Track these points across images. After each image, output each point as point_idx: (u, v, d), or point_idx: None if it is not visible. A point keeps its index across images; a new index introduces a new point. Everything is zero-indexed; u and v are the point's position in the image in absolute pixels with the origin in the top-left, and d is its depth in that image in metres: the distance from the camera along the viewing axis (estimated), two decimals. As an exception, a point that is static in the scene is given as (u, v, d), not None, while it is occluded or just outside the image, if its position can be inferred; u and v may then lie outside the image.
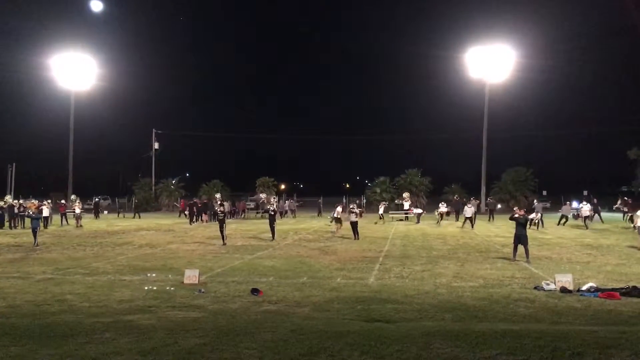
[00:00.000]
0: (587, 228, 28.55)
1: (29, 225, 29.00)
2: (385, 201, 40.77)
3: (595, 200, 33.37)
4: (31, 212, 24.51)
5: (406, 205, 38.41)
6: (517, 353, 5.79)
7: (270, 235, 23.01)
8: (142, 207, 49.37)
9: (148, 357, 5.76)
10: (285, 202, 44.27)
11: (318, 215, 43.02)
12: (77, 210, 32.50)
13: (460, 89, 61.39)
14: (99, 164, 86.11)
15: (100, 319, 8.40)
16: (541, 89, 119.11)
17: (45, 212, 30.05)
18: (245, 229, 29.09)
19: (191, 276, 12.61)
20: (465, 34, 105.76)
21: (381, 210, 36.77)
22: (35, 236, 20.93)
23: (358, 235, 23.58)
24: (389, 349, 5.98)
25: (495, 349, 5.93)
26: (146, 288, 11.88)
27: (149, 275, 13.80)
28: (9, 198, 31.43)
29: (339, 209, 26.53)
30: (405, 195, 39.57)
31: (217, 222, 22.66)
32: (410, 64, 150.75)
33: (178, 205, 47.67)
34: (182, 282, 12.46)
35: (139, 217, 41.38)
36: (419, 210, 36.01)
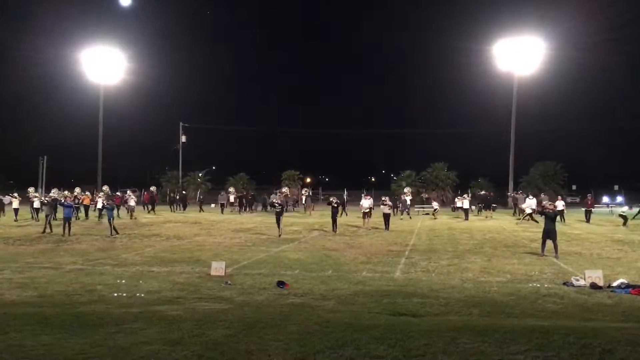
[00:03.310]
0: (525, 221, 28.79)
1: (75, 216, 29.89)
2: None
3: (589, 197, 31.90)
4: (106, 204, 25.05)
5: (407, 200, 36.91)
6: (546, 349, 5.70)
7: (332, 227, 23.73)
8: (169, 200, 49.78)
9: (176, 347, 5.83)
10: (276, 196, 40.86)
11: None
12: (132, 203, 32.30)
13: (488, 81, 60.35)
14: (126, 157, 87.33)
15: (129, 309, 8.55)
16: (572, 81, 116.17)
17: (87, 202, 31.23)
18: (271, 222, 29.17)
19: (218, 268, 12.73)
20: (494, 26, 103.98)
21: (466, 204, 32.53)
22: (111, 226, 21.66)
23: (389, 226, 24.13)
24: (415, 343, 5.95)
25: (524, 345, 5.85)
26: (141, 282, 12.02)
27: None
28: (64, 191, 31.86)
29: (367, 202, 25.72)
30: (407, 190, 38.49)
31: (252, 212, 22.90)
32: (437, 56, 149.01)
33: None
34: (209, 274, 12.59)
35: (203, 210, 39.32)
36: (436, 205, 35.69)
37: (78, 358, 5.50)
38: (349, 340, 6.09)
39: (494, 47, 45.94)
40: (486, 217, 32.97)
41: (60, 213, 23.91)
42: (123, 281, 11.90)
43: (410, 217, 33.42)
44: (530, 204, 29.95)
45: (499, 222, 30.27)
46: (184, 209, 39.95)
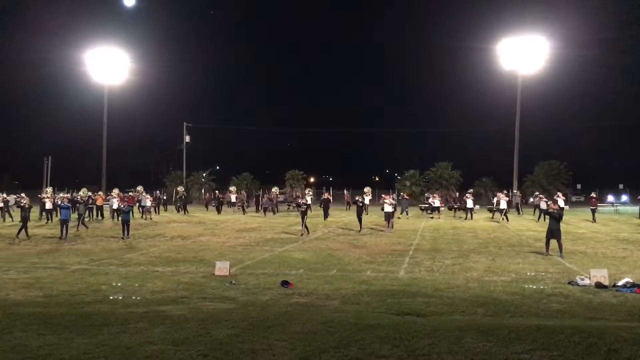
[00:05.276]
0: (506, 220, 28.93)
1: (89, 216, 29.77)
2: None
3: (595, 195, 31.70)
4: (122, 206, 24.83)
5: (366, 199, 35.60)
6: (552, 349, 5.69)
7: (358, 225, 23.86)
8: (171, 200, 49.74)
9: (181, 347, 5.84)
10: (268, 197, 38.00)
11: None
12: (148, 203, 31.86)
13: (492, 81, 60.21)
14: (131, 157, 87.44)
15: (134, 309, 8.56)
16: (576, 80, 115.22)
17: (100, 202, 31.10)
18: (275, 221, 29.24)
19: (222, 268, 12.74)
20: (497, 25, 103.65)
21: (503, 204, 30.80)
22: (128, 228, 21.05)
23: (392, 225, 24.17)
24: (420, 343, 5.95)
25: (529, 345, 5.84)
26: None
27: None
28: (84, 191, 31.60)
29: (388, 200, 24.46)
30: (367, 189, 37.54)
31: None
32: (440, 55, 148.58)
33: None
34: (213, 274, 12.60)
35: (185, 212, 36.54)
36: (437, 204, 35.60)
37: (83, 358, 5.51)
38: (354, 339, 6.09)
39: (498, 46, 45.89)
40: (460, 217, 32.22)
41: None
42: (127, 281, 11.92)
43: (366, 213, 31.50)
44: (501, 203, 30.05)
45: (472, 222, 29.37)
46: (219, 212, 37.42)
